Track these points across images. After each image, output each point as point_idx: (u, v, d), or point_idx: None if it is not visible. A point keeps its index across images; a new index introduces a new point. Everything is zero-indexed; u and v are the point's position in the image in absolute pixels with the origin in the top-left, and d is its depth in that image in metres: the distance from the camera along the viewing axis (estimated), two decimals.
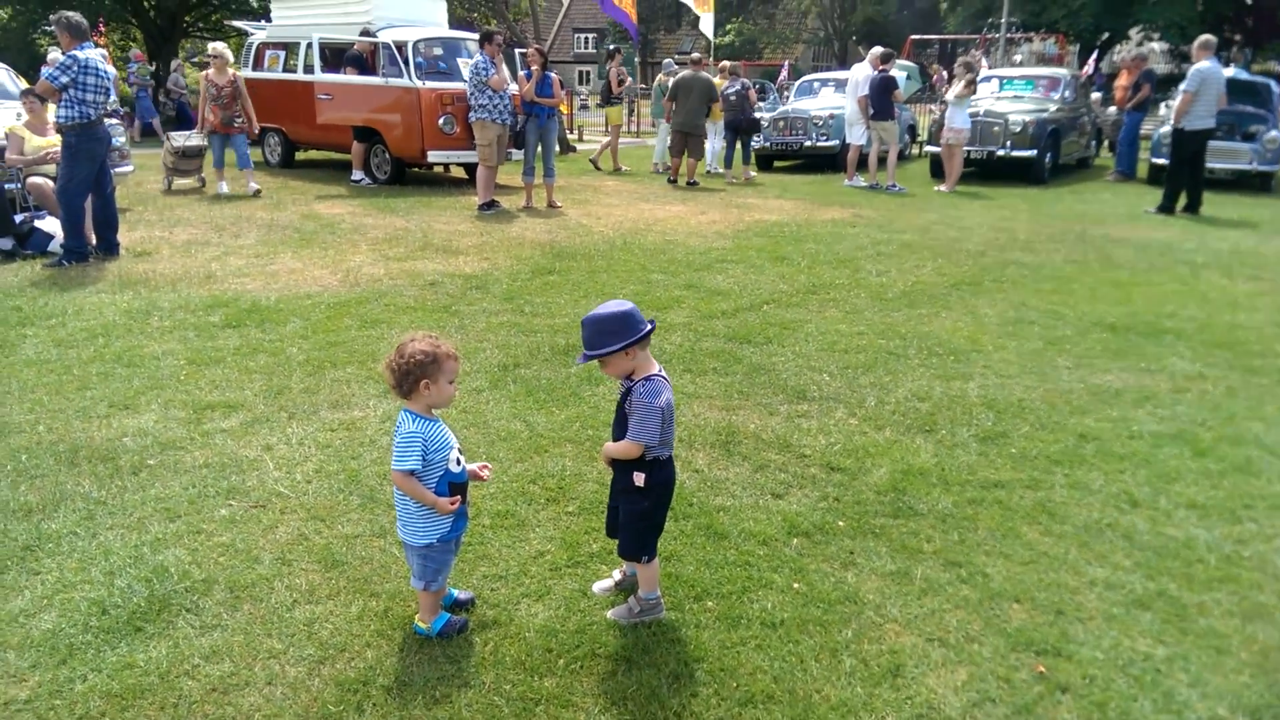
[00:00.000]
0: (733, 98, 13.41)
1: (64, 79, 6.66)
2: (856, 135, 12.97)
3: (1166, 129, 11.74)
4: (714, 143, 14.19)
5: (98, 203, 7.26)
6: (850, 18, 51.65)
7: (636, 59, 20.96)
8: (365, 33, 11.83)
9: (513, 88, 10.28)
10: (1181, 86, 10.42)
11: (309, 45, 12.23)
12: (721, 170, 14.05)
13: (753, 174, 13.87)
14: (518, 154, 10.94)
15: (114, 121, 8.90)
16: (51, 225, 7.50)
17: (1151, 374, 4.99)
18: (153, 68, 20.59)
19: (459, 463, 2.66)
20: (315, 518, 3.37)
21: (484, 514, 3.38)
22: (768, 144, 15.13)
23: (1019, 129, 12.94)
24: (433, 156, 11.47)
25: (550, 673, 2.52)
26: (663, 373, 2.61)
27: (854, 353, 5.32)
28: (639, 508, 2.66)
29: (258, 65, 13.50)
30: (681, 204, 11.19)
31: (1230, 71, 13.54)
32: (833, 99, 15.52)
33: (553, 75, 10.38)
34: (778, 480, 3.70)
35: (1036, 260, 7.84)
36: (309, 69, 12.35)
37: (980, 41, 28.13)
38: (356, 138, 11.96)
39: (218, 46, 11.13)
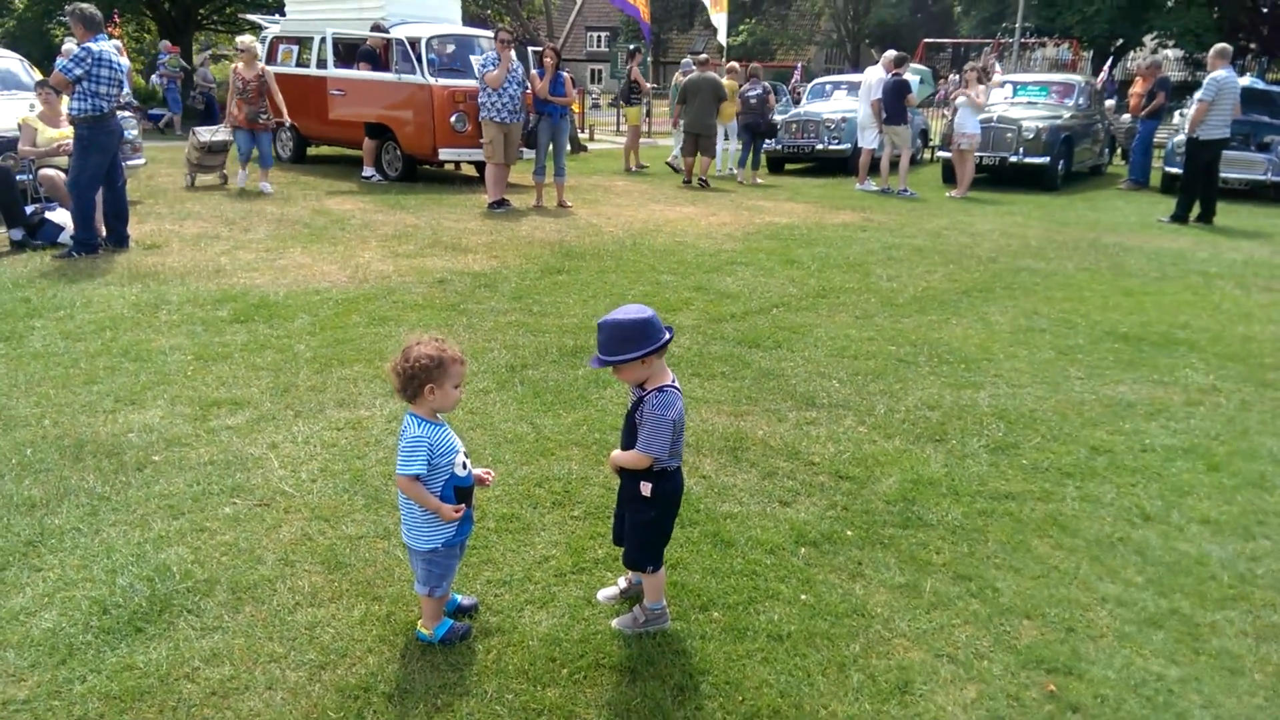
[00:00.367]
0: (753, 100, 13.37)
1: (77, 71, 6.66)
2: (869, 139, 12.91)
3: (1181, 138, 11.64)
4: (729, 143, 14.15)
5: (109, 195, 7.26)
6: (863, 20, 51.54)
7: (649, 58, 20.89)
8: (377, 27, 11.81)
9: (526, 87, 10.24)
10: (1197, 95, 10.33)
11: (322, 40, 12.23)
12: (735, 171, 14.00)
13: (759, 180, 13.80)
14: (529, 153, 10.91)
15: (127, 114, 8.91)
16: (62, 217, 7.50)
17: (1164, 386, 4.94)
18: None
19: (465, 466, 2.63)
20: (319, 518, 3.35)
21: (489, 517, 3.36)
22: (779, 147, 15.07)
23: (1032, 135, 12.85)
24: (444, 154, 11.45)
25: (553, 683, 2.49)
26: (675, 383, 2.58)
27: (864, 359, 5.28)
28: (645, 517, 2.63)
29: (270, 60, 13.47)
30: (692, 205, 11.15)
31: (1246, 81, 13.43)
32: (845, 102, 15.46)
33: (565, 74, 10.36)
34: (785, 488, 3.67)
35: (1048, 267, 7.78)
36: (322, 64, 12.36)
37: (994, 46, 27.99)
38: (368, 134, 11.95)
39: (245, 40, 11.00)
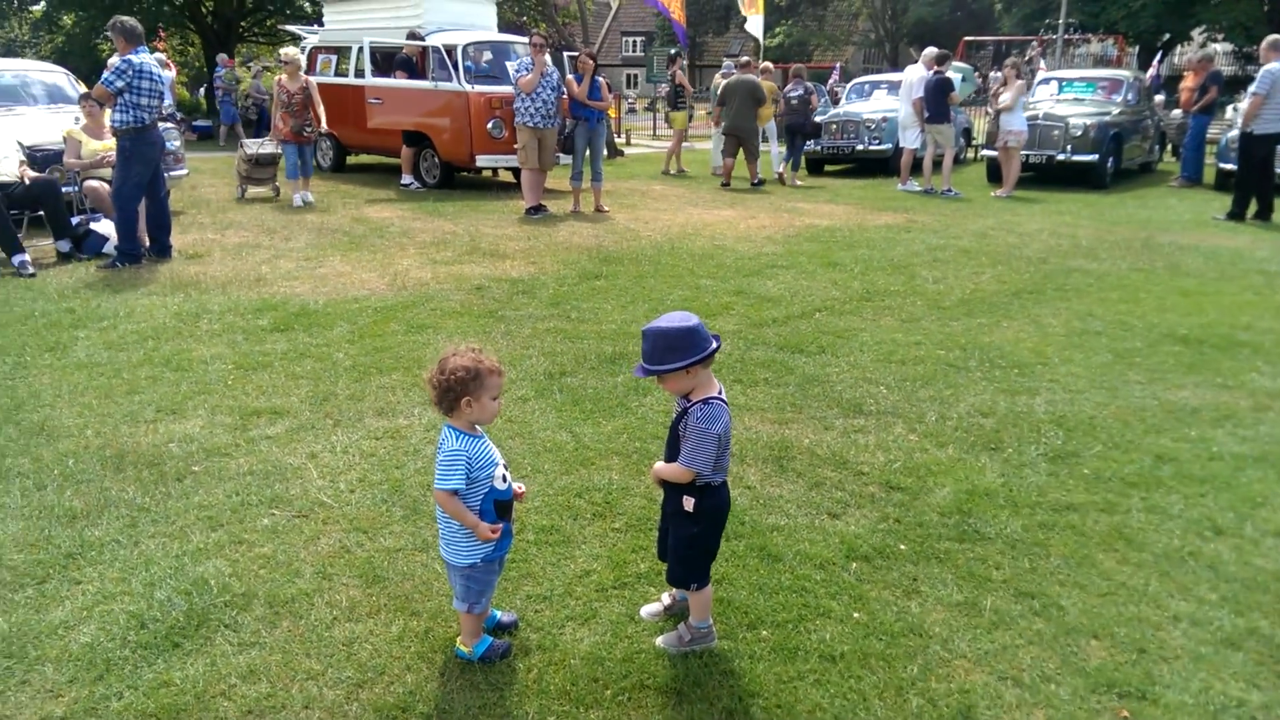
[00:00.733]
0: (794, 101, 13.24)
1: (119, 83, 6.74)
2: (910, 139, 12.68)
3: (1235, 133, 11.26)
4: (768, 145, 14.03)
5: (151, 206, 7.34)
6: (902, 19, 50.90)
7: (685, 62, 20.82)
8: (413, 35, 11.87)
9: (562, 92, 10.21)
10: (1251, 89, 9.97)
11: (360, 50, 12.33)
12: (779, 173, 13.84)
13: (799, 181, 13.65)
14: (566, 158, 10.88)
15: (169, 125, 9.03)
16: (107, 228, 7.60)
17: (1229, 390, 4.72)
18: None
19: (505, 479, 2.55)
20: (358, 529, 3.30)
21: (528, 529, 3.28)
22: (819, 148, 14.90)
23: (1080, 132, 12.53)
24: (481, 160, 11.47)
25: (597, 704, 2.39)
26: (723, 394, 2.47)
27: (912, 364, 5.12)
28: (688, 533, 2.53)
29: (310, 70, 13.62)
30: (730, 208, 11.03)
31: None
32: (885, 101, 15.23)
33: (601, 80, 10.31)
34: (834, 499, 3.54)
35: (1100, 268, 7.54)
36: (359, 73, 12.46)
37: (1038, 43, 27.46)
38: (406, 142, 12.02)
39: (289, 52, 10.99)
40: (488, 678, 2.49)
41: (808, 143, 14.19)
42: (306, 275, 7.11)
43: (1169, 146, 16.49)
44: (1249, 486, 3.66)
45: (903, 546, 3.19)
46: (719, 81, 14.83)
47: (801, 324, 5.92)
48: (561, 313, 6.15)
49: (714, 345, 2.39)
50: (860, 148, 14.74)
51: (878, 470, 3.78)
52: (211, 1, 25.94)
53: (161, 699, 2.40)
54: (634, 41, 60.08)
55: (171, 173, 8.86)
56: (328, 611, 2.80)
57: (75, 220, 7.72)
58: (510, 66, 10.74)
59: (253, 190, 11.28)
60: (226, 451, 3.96)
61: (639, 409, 4.46)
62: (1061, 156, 12.66)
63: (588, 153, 10.38)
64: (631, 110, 35.93)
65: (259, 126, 17.72)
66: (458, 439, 2.45)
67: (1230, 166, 11.53)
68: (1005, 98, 11.91)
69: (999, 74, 17.11)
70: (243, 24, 27.41)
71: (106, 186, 7.75)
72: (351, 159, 14.60)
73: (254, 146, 11.06)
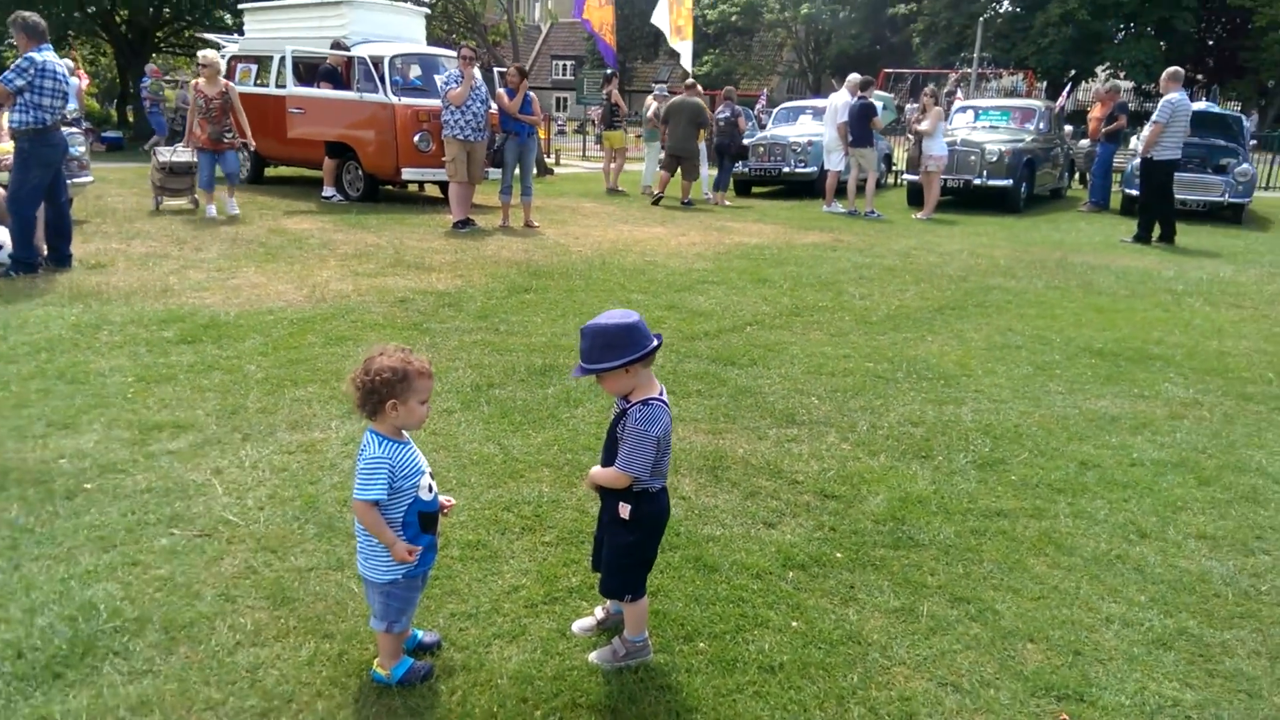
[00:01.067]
0: (722, 123, 13.38)
1: (19, 81, 6.34)
2: (835, 161, 12.92)
3: (1139, 160, 11.78)
4: (703, 169, 14.14)
5: (51, 212, 6.92)
6: (824, 51, 52.26)
7: (600, 89, 20.89)
8: (338, 45, 11.59)
9: (492, 107, 10.08)
10: (1153, 117, 10.44)
11: (281, 59, 11.98)
12: (708, 195, 13.92)
13: (727, 202, 13.77)
14: (495, 173, 10.73)
15: (73, 130, 8.57)
16: (1, 235, 7.13)
17: (1146, 399, 4.84)
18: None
19: (431, 490, 2.40)
20: (266, 548, 3.08)
21: (453, 544, 3.11)
22: (746, 169, 15.06)
23: (995, 158, 12.96)
24: (407, 174, 11.22)
25: None
26: (664, 396, 2.38)
27: (841, 376, 5.12)
28: (624, 541, 2.41)
29: (228, 79, 13.19)
30: (661, 225, 11.02)
31: (1201, 105, 13.72)
32: (811, 126, 15.51)
33: (532, 95, 10.21)
34: (769, 508, 3.47)
35: (1018, 286, 7.73)
36: (281, 84, 12.09)
37: (955, 74, 28.49)
38: (329, 154, 11.68)
39: (208, 55, 10.27)
40: (407, 702, 2.32)
41: (736, 164, 14.33)
42: (218, 286, 6.78)
43: (1076, 174, 17.20)
44: (1169, 491, 3.72)
45: (839, 554, 3.13)
46: (650, 104, 14.93)
47: (733, 337, 5.88)
48: (489, 325, 5.99)
49: (654, 343, 2.30)
50: (786, 170, 14.96)
51: (812, 479, 3.73)
52: (126, 10, 24.97)
53: None
54: (564, 65, 60.25)
55: (75, 179, 8.40)
56: (230, 636, 2.59)
57: None
58: (439, 79, 10.55)
59: (169, 202, 10.65)
60: (123, 468, 3.68)
61: (570, 420, 4.33)
62: (978, 181, 13.07)
63: (518, 167, 10.24)
64: (561, 132, 35.92)
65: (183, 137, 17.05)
66: (380, 445, 2.30)
67: (1135, 192, 12.06)
68: (925, 124, 12.23)
69: (915, 106, 17.67)
70: (159, 34, 26.46)
71: (1, 191, 7.28)
72: (270, 171, 14.15)
73: (167, 154, 10.43)
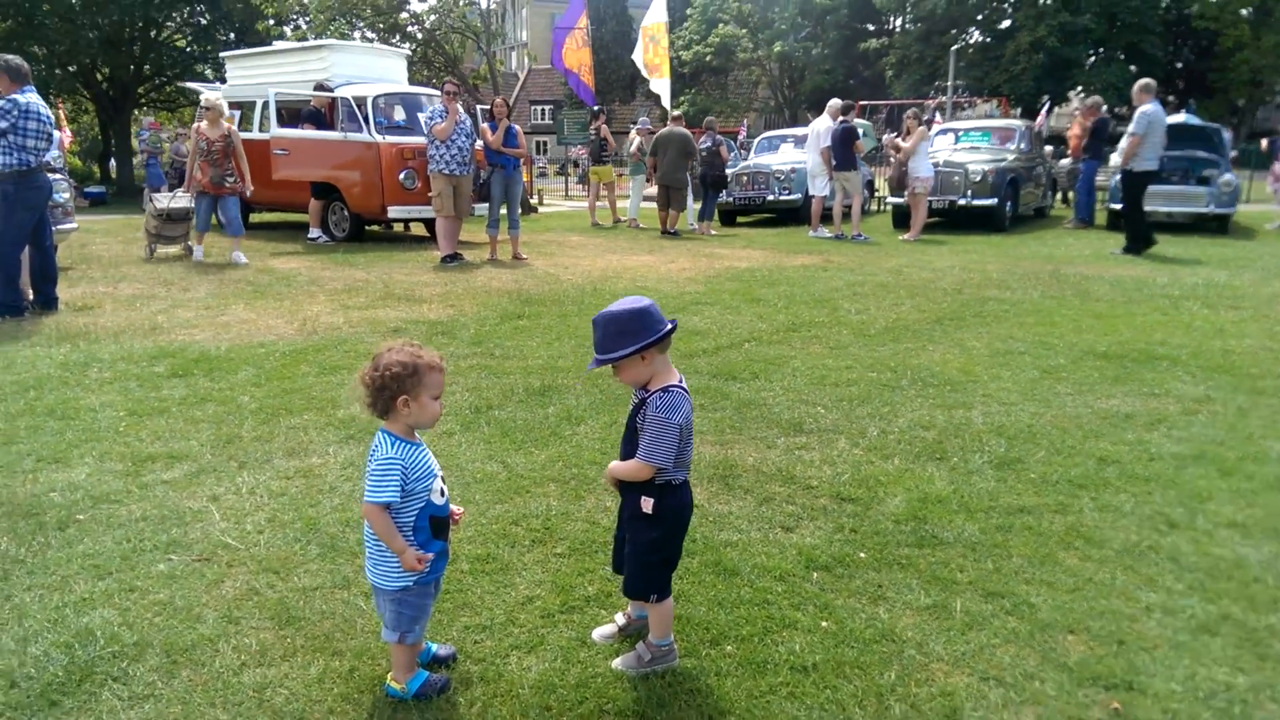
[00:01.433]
0: (705, 153, 13.47)
1: (2, 124, 6.28)
2: (819, 187, 12.98)
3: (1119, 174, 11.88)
4: (688, 201, 14.21)
5: (36, 255, 6.82)
6: (799, 87, 53.09)
7: (589, 126, 21.11)
8: (321, 87, 11.62)
9: (477, 143, 10.09)
10: (1129, 130, 10.55)
11: (264, 104, 11.99)
12: (693, 226, 13.96)
13: (712, 231, 13.81)
14: (482, 208, 10.71)
15: (57, 177, 8.49)
16: None
17: (1157, 397, 4.79)
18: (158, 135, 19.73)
19: (443, 494, 2.30)
20: (268, 570, 2.95)
21: (461, 559, 2.99)
22: (730, 199, 15.12)
23: (979, 178, 13.05)
24: (393, 212, 11.20)
25: None
26: (683, 383, 2.30)
27: (845, 386, 5.05)
28: (647, 538, 2.31)
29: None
30: (649, 254, 11.00)
31: (1181, 118, 13.91)
32: (793, 154, 15.64)
33: (516, 127, 10.23)
34: (786, 513, 3.37)
35: (1014, 296, 7.72)
36: (264, 128, 12.09)
37: (935, 103, 28.91)
38: (314, 195, 11.65)
39: (211, 97, 10.02)
40: (424, 716, 2.20)
41: (720, 194, 14.40)
42: (207, 323, 6.68)
43: (1059, 193, 17.38)
44: (1193, 483, 3.64)
45: (862, 554, 3.03)
46: (634, 138, 15.06)
47: (732, 354, 5.81)
48: (484, 350, 5.90)
49: (668, 326, 2.22)
50: (771, 198, 15.03)
51: (826, 483, 3.63)
52: (108, 68, 25.10)
53: None
54: (542, 110, 60.86)
55: (59, 226, 8.30)
56: (235, 657, 2.46)
57: None
58: (422, 116, 10.58)
59: (163, 249, 10.31)
60: (116, 498, 3.55)
61: (573, 437, 4.23)
62: (963, 201, 13.13)
63: (504, 201, 10.23)
64: (543, 174, 36.18)
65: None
66: (393, 445, 2.20)
67: (1119, 206, 12.15)
68: (908, 142, 12.32)
69: (890, 136, 17.92)
70: (140, 89, 26.58)
71: None
72: (255, 217, 14.09)
73: (164, 200, 10.08)
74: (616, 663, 2.39)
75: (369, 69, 12.54)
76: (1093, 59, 37.39)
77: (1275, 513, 3.37)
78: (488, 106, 11.63)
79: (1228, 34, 33.48)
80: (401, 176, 10.93)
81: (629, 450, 2.29)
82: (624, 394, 4.55)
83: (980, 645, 2.50)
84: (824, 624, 2.59)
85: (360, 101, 11.16)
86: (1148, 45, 35.96)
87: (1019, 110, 34.36)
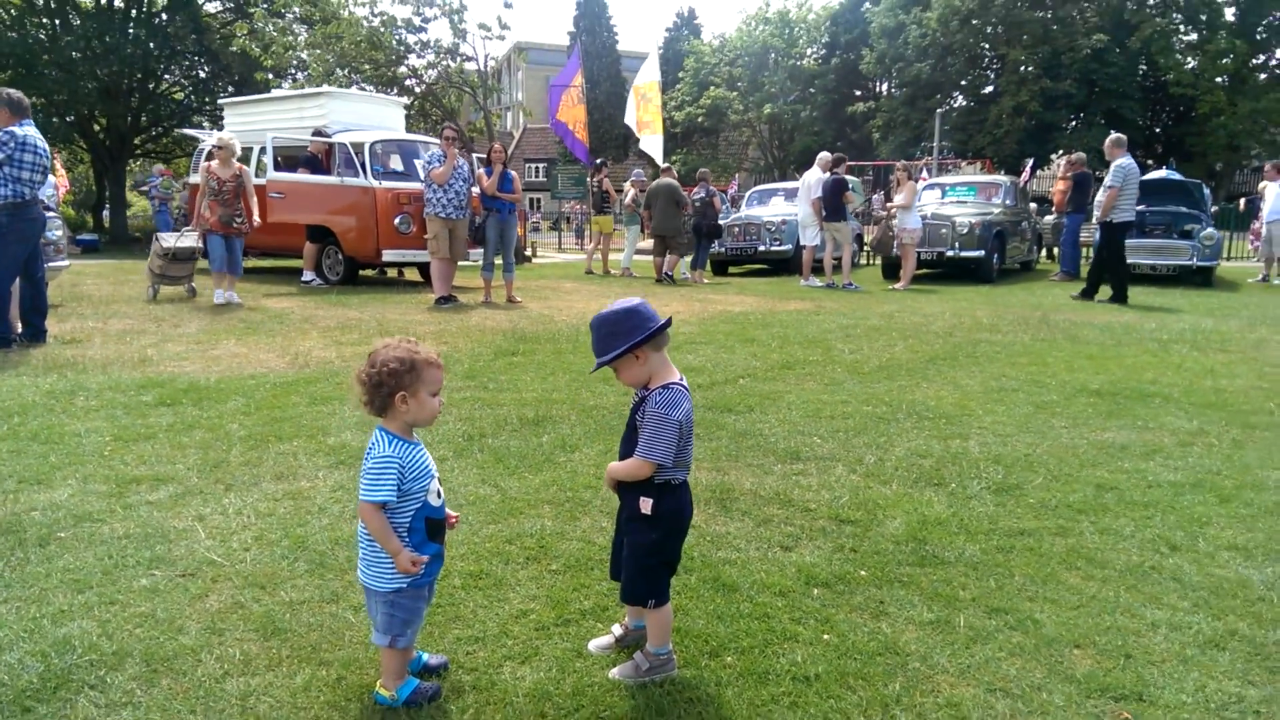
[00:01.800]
0: (698, 203, 13.64)
1: None
2: (810, 237, 13.12)
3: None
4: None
5: (27, 288, 6.79)
6: (789, 147, 54.12)
7: (588, 179, 21.42)
8: (319, 133, 11.75)
9: (473, 189, 10.19)
10: (1106, 182, 10.74)
11: (262, 149, 12.11)
12: (686, 275, 14.08)
13: (705, 280, 13.95)
14: (477, 254, 10.76)
15: (51, 214, 8.50)
16: None
17: (1151, 430, 4.78)
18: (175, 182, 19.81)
19: (439, 495, 2.26)
20: (254, 585, 2.88)
21: (454, 574, 2.92)
22: (722, 250, 15.27)
23: (966, 230, 13.22)
24: (388, 256, 11.24)
25: None
26: (683, 381, 2.28)
27: (841, 418, 5.03)
28: (646, 540, 2.26)
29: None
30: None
31: (1162, 173, 14.19)
32: (784, 206, 15.84)
33: (513, 173, 10.35)
34: (784, 533, 3.32)
35: (1005, 339, 7.75)
36: (261, 173, 12.19)
37: (923, 162, 29.46)
38: (309, 238, 11.70)
39: (224, 136, 9.85)
40: None
41: (712, 244, 14.54)
42: (197, 356, 6.62)
43: (1044, 249, 17.62)
44: (1192, 509, 3.62)
45: (863, 572, 2.97)
46: (628, 190, 15.30)
47: (727, 389, 5.79)
48: (478, 384, 5.87)
49: (661, 322, 2.22)
50: (762, 248, 15.18)
51: (825, 506, 3.59)
52: (105, 118, 25.35)
53: None
54: (537, 168, 61.73)
55: (51, 263, 8.28)
56: (218, 666, 2.38)
57: None
58: (419, 162, 10.70)
59: (166, 290, 10.10)
60: (99, 517, 3.47)
61: (568, 464, 4.18)
62: (950, 253, 13.29)
63: (499, 245, 10.28)
64: (536, 229, 36.53)
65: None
66: (390, 443, 2.16)
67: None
68: (900, 197, 12.51)
69: (878, 197, 18.18)
70: (136, 139, 26.82)
71: None
72: (250, 263, 14.10)
73: (170, 240, 9.84)
74: (614, 672, 2.32)
75: (366, 116, 12.72)
76: (1073, 123, 38.29)
77: (1276, 536, 3.34)
78: (484, 155, 11.78)
79: (1204, 100, 34.37)
80: (396, 221, 11.00)
81: (629, 451, 2.26)
82: (619, 425, 4.51)
83: (985, 658, 2.45)
84: (825, 637, 2.53)
85: (357, 147, 11.28)
86: (1127, 110, 36.86)
87: (1002, 172, 35.03)
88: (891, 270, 13.47)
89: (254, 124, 13.06)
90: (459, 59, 20.66)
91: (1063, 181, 14.33)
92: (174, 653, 2.44)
